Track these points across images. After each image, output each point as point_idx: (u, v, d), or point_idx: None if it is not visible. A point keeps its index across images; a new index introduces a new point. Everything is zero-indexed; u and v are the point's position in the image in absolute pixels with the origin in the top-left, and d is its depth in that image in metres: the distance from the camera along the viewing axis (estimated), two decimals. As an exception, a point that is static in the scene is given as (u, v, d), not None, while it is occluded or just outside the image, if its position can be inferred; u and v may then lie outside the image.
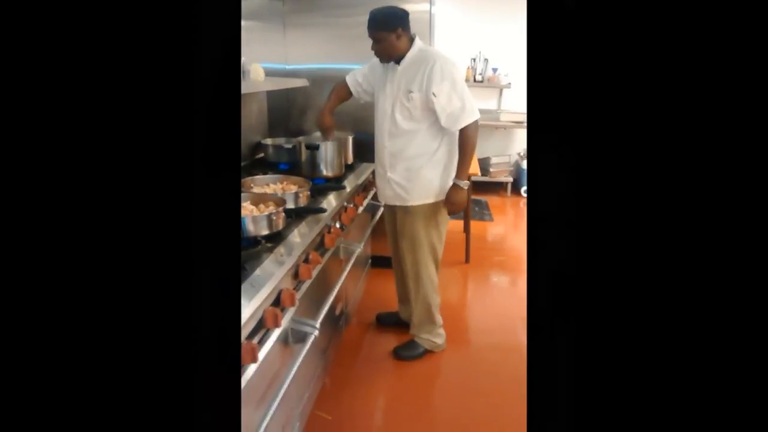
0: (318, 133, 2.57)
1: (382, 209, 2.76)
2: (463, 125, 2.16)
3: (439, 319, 2.54)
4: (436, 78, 2.10)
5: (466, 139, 2.19)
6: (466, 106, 2.14)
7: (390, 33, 2.11)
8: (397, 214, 2.42)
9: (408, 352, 2.52)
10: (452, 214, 2.30)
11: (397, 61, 2.20)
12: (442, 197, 2.29)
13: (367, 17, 2.16)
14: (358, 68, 2.48)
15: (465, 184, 2.24)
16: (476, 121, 2.18)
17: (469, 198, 3.71)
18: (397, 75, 2.20)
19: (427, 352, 2.54)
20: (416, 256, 2.38)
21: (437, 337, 2.55)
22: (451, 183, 2.27)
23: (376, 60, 2.31)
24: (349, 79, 2.48)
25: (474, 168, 3.61)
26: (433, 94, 2.11)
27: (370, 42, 2.20)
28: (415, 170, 2.26)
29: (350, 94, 2.50)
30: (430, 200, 2.29)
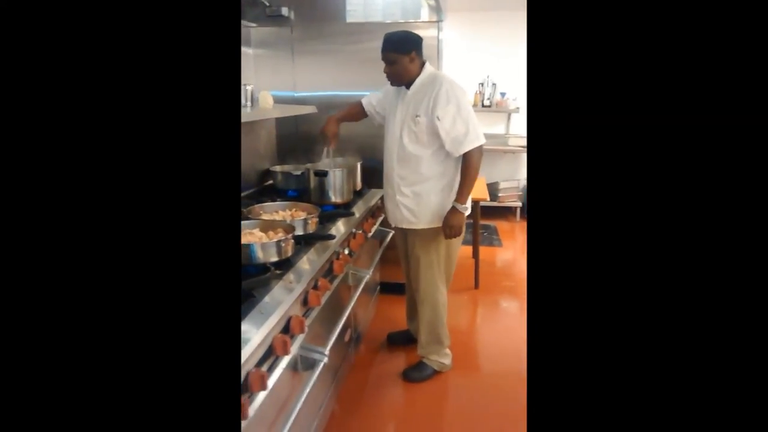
0: (327, 160, 2.57)
1: (391, 235, 2.76)
2: (466, 150, 2.16)
3: (446, 339, 2.54)
4: (441, 101, 2.12)
5: (468, 164, 2.19)
6: (470, 131, 2.15)
7: (404, 55, 2.16)
8: (406, 235, 2.45)
9: (417, 373, 2.52)
10: (449, 237, 2.28)
11: (408, 86, 2.24)
12: None
13: (374, 44, 2.22)
14: (373, 92, 2.54)
15: (464, 208, 2.24)
16: (480, 147, 2.18)
17: (477, 223, 3.70)
18: (406, 99, 2.24)
19: (436, 372, 2.54)
20: (424, 277, 2.41)
21: (444, 357, 2.57)
22: None
23: (389, 86, 2.36)
24: (364, 101, 2.55)
25: (483, 193, 3.61)
26: (437, 117, 2.12)
27: (377, 69, 2.25)
28: (422, 194, 2.28)
29: (362, 114, 2.56)
30: (437, 224, 2.30)
